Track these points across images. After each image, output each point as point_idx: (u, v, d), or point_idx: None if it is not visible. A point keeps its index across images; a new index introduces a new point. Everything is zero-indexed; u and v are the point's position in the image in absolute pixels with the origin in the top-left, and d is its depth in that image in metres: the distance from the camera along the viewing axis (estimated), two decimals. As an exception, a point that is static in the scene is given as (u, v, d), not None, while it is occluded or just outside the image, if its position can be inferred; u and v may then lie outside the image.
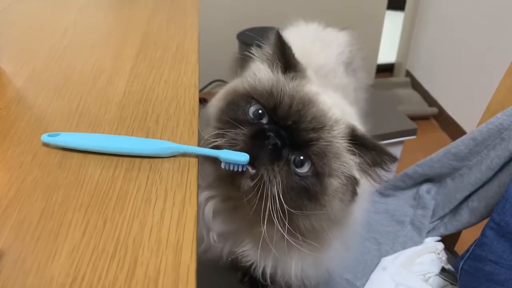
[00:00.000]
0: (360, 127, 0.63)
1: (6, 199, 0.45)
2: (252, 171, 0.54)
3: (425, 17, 2.45)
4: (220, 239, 0.67)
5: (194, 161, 0.52)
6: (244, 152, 0.52)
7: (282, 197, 0.53)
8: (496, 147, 0.88)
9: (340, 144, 0.57)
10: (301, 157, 0.55)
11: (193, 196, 0.47)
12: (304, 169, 0.55)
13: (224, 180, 0.60)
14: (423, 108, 2.39)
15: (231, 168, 0.53)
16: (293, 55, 0.65)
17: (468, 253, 0.80)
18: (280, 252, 0.61)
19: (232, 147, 0.54)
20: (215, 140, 0.55)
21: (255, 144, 0.54)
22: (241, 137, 0.54)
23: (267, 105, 0.58)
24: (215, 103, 0.65)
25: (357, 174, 0.58)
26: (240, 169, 0.53)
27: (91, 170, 0.49)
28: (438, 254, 0.96)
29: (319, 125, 0.56)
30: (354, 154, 0.58)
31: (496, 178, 0.89)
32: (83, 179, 0.48)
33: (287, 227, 0.55)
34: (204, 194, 0.64)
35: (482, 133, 0.90)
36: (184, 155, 0.53)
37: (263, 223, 0.54)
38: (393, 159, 0.57)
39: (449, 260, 0.96)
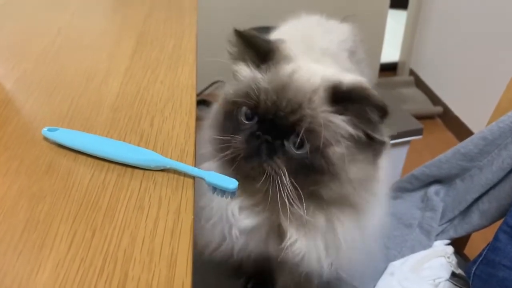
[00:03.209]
0: (350, 77, 0.60)
1: (-12, 209, 0.42)
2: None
3: (429, 15, 2.42)
4: (243, 235, 0.65)
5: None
6: (247, 155, 0.55)
7: (295, 182, 0.55)
8: (508, 147, 0.85)
9: (324, 111, 0.56)
10: (297, 139, 0.55)
11: (189, 203, 0.44)
12: (304, 150, 0.55)
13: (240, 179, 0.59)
14: (428, 107, 2.35)
15: (218, 195, 0.50)
16: (259, 39, 0.62)
17: (481, 258, 0.76)
18: (324, 230, 0.61)
19: (238, 156, 0.56)
20: (223, 153, 0.57)
21: (252, 146, 0.56)
22: (239, 145, 0.57)
23: (250, 105, 0.59)
24: (214, 110, 0.65)
25: (352, 131, 0.56)
26: (228, 197, 0.50)
27: (81, 176, 0.46)
28: (448, 258, 0.92)
29: (295, 105, 0.56)
30: (342, 113, 0.56)
31: (508, 179, 0.86)
32: (71, 186, 0.45)
33: (315, 204, 0.58)
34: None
35: (493, 132, 0.87)
36: (181, 159, 0.50)
37: (294, 207, 0.55)
38: (382, 110, 0.54)
39: (459, 264, 0.93)
